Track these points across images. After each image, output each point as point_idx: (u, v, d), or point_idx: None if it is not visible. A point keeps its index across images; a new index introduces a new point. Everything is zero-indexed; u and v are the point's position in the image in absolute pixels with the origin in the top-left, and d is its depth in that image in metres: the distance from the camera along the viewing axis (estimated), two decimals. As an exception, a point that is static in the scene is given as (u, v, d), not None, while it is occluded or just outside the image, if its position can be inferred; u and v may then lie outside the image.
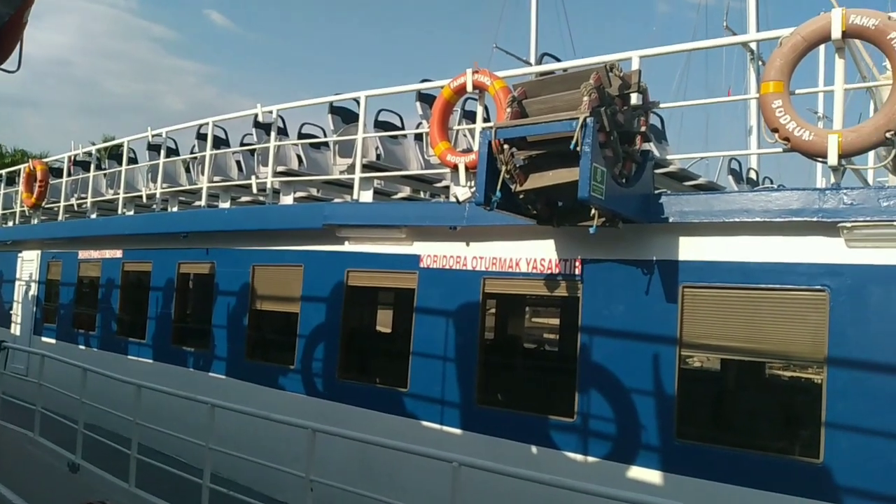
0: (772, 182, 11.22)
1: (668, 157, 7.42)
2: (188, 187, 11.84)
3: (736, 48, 17.25)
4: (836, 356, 5.29)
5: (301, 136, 10.25)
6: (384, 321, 9.62)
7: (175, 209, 11.84)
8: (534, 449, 6.71)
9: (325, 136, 10.08)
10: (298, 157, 10.24)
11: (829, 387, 5.31)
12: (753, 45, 14.67)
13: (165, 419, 8.00)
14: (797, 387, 6.14)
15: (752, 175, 10.00)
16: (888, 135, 5.02)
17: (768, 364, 6.19)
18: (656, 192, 6.41)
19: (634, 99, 5.76)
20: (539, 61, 8.87)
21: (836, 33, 5.26)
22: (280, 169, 9.70)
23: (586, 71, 5.61)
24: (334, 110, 9.46)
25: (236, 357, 9.83)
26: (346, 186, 9.18)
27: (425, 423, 7.47)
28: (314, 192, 10.71)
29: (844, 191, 5.26)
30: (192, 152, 11.94)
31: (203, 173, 11.02)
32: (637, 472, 6.10)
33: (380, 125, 9.40)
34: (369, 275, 8.29)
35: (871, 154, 6.48)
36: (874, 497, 5.12)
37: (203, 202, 10.88)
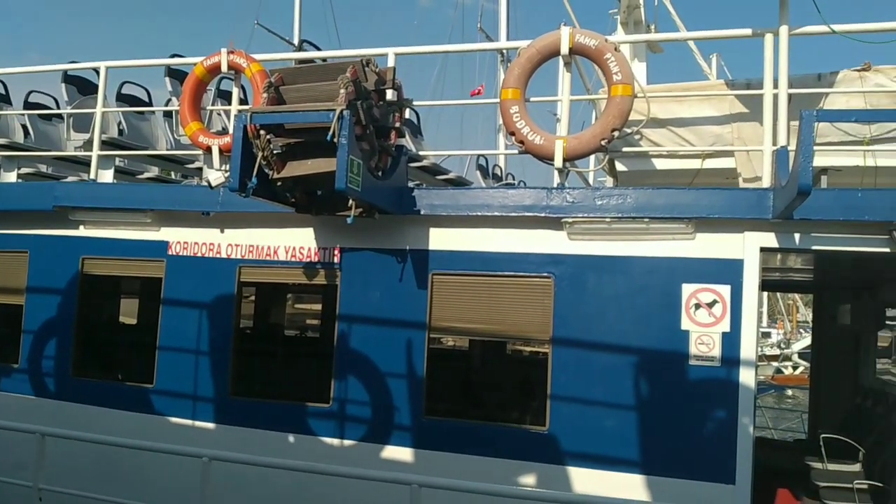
0: (514, 178, 12.30)
1: (422, 152, 7.80)
2: None
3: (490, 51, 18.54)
4: (560, 335, 6.01)
5: (28, 105, 9.07)
6: (128, 313, 8.92)
7: None
8: (291, 437, 6.72)
9: (58, 107, 9.03)
10: (24, 128, 9.05)
11: (554, 362, 6.02)
12: (504, 51, 15.87)
13: None
14: (529, 363, 6.91)
15: (498, 171, 10.87)
16: (603, 142, 5.79)
17: (506, 344, 6.87)
18: (410, 185, 6.73)
19: (390, 95, 5.98)
20: (299, 48, 8.79)
21: (564, 49, 5.93)
22: (1, 141, 8.50)
23: (343, 63, 5.69)
24: (69, 79, 8.50)
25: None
26: (83, 164, 8.32)
27: (175, 420, 7.10)
28: (44, 168, 9.54)
29: (567, 190, 5.98)
30: None
31: None
32: (390, 451, 6.39)
33: (123, 99, 8.64)
34: (109, 263, 7.62)
35: (593, 158, 7.40)
36: (591, 458, 5.91)
37: None
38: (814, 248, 5.57)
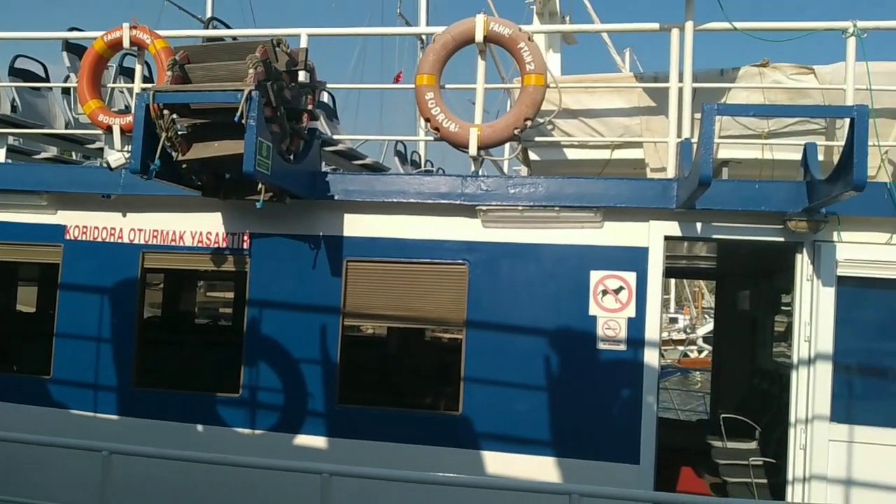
0: (432, 166, 12.30)
1: (338, 136, 7.68)
2: None
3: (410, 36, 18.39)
4: (473, 321, 6.06)
5: None
6: (27, 301, 8.42)
7: None
8: (199, 427, 6.52)
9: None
10: None
11: (468, 348, 6.07)
12: (424, 36, 15.76)
13: None
14: (444, 349, 6.93)
15: (416, 158, 10.84)
16: (516, 131, 5.85)
17: (421, 330, 6.86)
18: (325, 169, 6.61)
19: (302, 77, 5.84)
20: (207, 25, 8.47)
21: (479, 37, 5.94)
22: None
23: (253, 43, 5.52)
24: (-46, 51, 7.90)
25: None
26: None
27: (74, 412, 6.77)
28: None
29: (482, 179, 6.02)
30: None
31: None
32: (303, 440, 6.31)
33: (17, 73, 8.10)
34: (2, 248, 7.15)
35: (507, 146, 7.47)
36: (502, 439, 6.01)
37: None
38: (714, 236, 5.82)
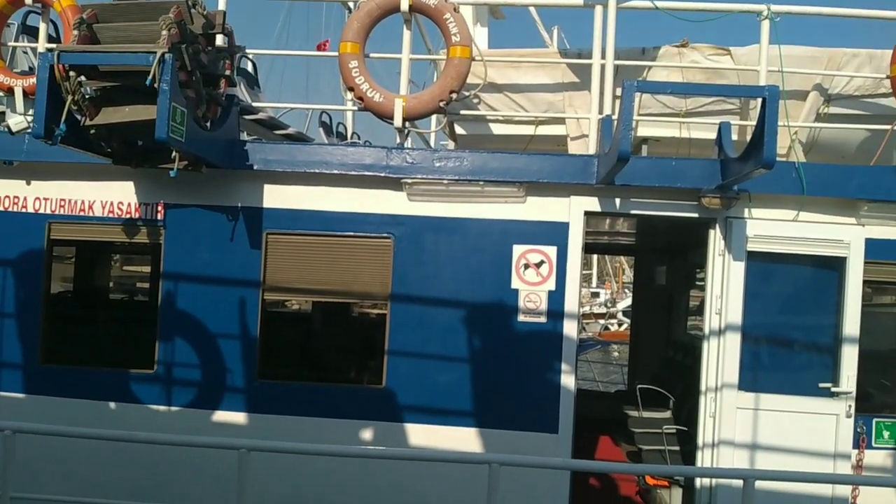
0: (359, 138, 12.09)
1: (258, 104, 7.44)
2: None
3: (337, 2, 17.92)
4: (398, 294, 6.03)
5: None
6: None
7: None
8: (112, 405, 6.28)
9: None
10: None
11: (392, 321, 6.05)
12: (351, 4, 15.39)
13: None
14: (368, 323, 6.86)
15: (342, 130, 10.62)
16: (441, 104, 5.81)
17: (345, 304, 6.76)
18: (244, 138, 6.40)
19: (219, 40, 5.61)
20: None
21: (404, 6, 5.84)
22: None
23: (167, 3, 5.24)
24: None
25: None
26: None
27: None
28: None
29: (407, 151, 5.96)
30: None
31: None
32: (222, 416, 6.17)
33: None
34: None
35: (434, 120, 7.42)
36: (426, 413, 6.04)
37: None
38: (632, 212, 5.96)
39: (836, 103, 6.67)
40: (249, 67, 8.96)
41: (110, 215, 6.26)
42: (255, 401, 6.13)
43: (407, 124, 6.01)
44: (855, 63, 6.55)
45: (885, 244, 5.87)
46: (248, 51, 6.68)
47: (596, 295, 43.95)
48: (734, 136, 6.24)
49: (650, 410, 7.20)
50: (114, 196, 6.24)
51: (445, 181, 5.91)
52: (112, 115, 5.24)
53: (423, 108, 5.85)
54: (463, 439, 5.96)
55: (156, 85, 4.84)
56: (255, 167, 5.96)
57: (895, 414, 6.03)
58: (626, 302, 35.30)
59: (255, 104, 7.43)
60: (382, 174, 5.93)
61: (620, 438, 7.82)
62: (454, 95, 5.79)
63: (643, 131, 6.81)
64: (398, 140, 6.09)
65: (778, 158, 4.99)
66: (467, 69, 5.77)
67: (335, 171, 5.95)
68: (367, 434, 6.04)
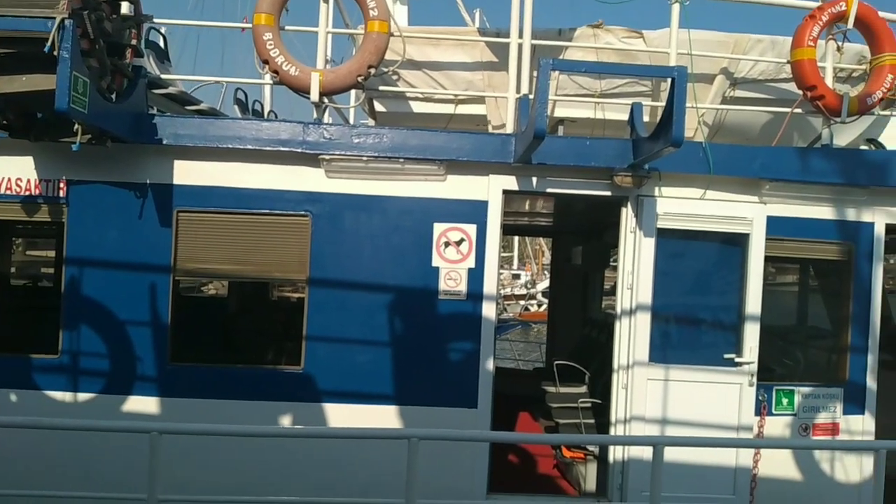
0: (276, 116, 11.78)
1: (168, 77, 7.13)
2: None
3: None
4: (316, 275, 5.94)
5: None
6: None
7: None
8: (12, 395, 5.95)
9: None
10: None
11: (311, 302, 5.96)
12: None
13: None
14: (285, 304, 6.78)
15: (258, 108, 10.33)
16: (359, 79, 5.72)
17: (262, 285, 6.64)
18: (152, 112, 6.13)
19: (125, 8, 5.32)
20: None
21: (321, -21, 5.71)
22: None
23: (66, -35, 4.93)
24: None
25: None
26: None
27: None
28: None
29: (325, 126, 5.85)
30: None
31: None
32: (133, 403, 5.93)
33: None
34: None
35: (353, 95, 7.29)
36: (346, 393, 5.99)
37: None
38: (549, 190, 6.06)
39: (742, 87, 6.96)
40: (156, 39, 8.58)
41: (7, 192, 5.88)
42: (167, 385, 5.93)
43: (325, 100, 5.90)
44: (759, 48, 6.85)
45: (785, 221, 6.20)
46: (157, 21, 6.38)
47: (517, 277, 44.76)
48: (646, 118, 6.44)
49: (567, 386, 7.39)
50: (11, 172, 5.86)
51: (364, 158, 5.84)
52: (7, 85, 4.90)
53: (340, 82, 5.75)
54: (384, 417, 5.96)
55: (55, 52, 4.56)
56: (164, 142, 5.72)
57: (794, 383, 6.39)
58: (545, 283, 36.06)
59: (164, 77, 7.11)
60: (299, 150, 5.80)
61: (539, 414, 8.00)
62: (372, 70, 5.72)
63: (560, 112, 6.93)
64: (315, 115, 5.97)
65: (686, 139, 5.17)
66: (385, 44, 5.70)
67: (249, 147, 5.78)
68: (286, 416, 5.94)
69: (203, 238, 5.99)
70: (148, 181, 5.84)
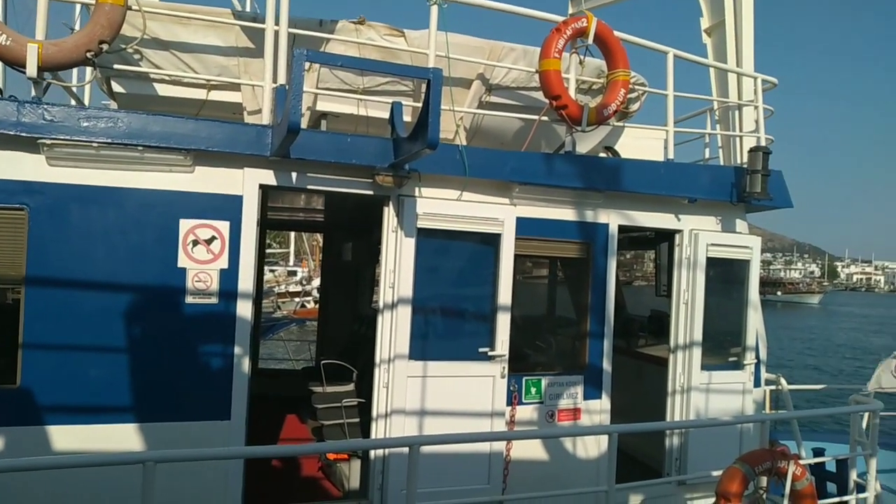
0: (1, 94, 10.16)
1: None
2: None
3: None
4: (35, 276, 5.14)
5: None
6: None
7: None
8: None
9: None
10: None
11: (28, 309, 5.14)
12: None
13: None
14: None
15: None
16: (89, 54, 5.02)
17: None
18: None
19: None
20: None
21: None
22: None
23: None
24: None
25: None
26: None
27: None
28: None
29: (45, 106, 5.06)
30: None
31: None
32: None
33: None
34: None
35: (87, 74, 6.45)
36: (76, 410, 5.25)
37: None
38: (309, 187, 5.82)
39: (496, 93, 7.26)
40: None
41: None
42: None
43: (46, 74, 5.11)
44: (512, 56, 7.18)
45: (531, 222, 6.57)
46: None
47: (293, 273, 43.79)
48: (408, 118, 6.46)
49: (334, 385, 7.23)
50: None
51: (96, 144, 5.15)
52: None
53: (65, 57, 4.99)
54: (123, 437, 5.32)
55: None
56: None
57: (541, 373, 6.82)
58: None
59: None
60: (12, 132, 4.96)
61: (306, 415, 7.75)
62: (105, 46, 5.04)
63: (322, 106, 6.72)
64: (34, 93, 5.14)
65: (445, 142, 5.22)
66: (121, 17, 5.06)
67: (-54, 127, 4.83)
68: (-1, 441, 5.08)
69: None
70: None
